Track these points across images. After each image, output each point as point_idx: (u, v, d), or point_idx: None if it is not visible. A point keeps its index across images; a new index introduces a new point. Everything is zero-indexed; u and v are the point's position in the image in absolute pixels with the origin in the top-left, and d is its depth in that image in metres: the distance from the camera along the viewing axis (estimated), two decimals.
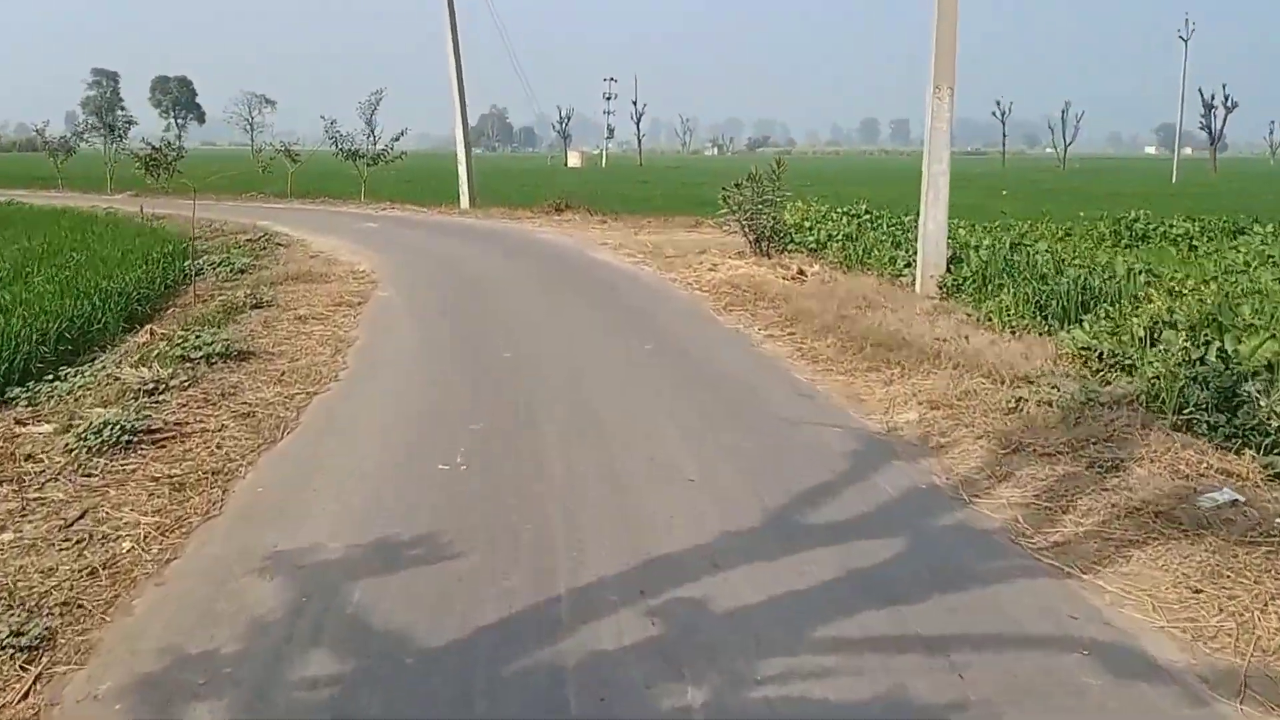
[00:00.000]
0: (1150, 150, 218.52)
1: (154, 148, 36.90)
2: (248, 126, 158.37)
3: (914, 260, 13.27)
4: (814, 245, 17.30)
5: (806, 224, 18.52)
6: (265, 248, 19.75)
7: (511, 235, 22.42)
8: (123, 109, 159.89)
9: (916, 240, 14.46)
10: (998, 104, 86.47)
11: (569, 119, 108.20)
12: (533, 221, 25.96)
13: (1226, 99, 71.68)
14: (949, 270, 12.50)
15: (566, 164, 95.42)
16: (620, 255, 18.03)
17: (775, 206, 17.38)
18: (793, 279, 14.36)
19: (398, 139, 32.15)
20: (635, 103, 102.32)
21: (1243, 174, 64.92)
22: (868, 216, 19.48)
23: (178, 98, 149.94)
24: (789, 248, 17.47)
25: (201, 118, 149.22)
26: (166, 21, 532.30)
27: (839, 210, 20.37)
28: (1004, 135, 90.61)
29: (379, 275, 15.37)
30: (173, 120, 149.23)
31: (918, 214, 19.48)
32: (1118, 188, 46.00)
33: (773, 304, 12.00)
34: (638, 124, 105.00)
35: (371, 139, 31.80)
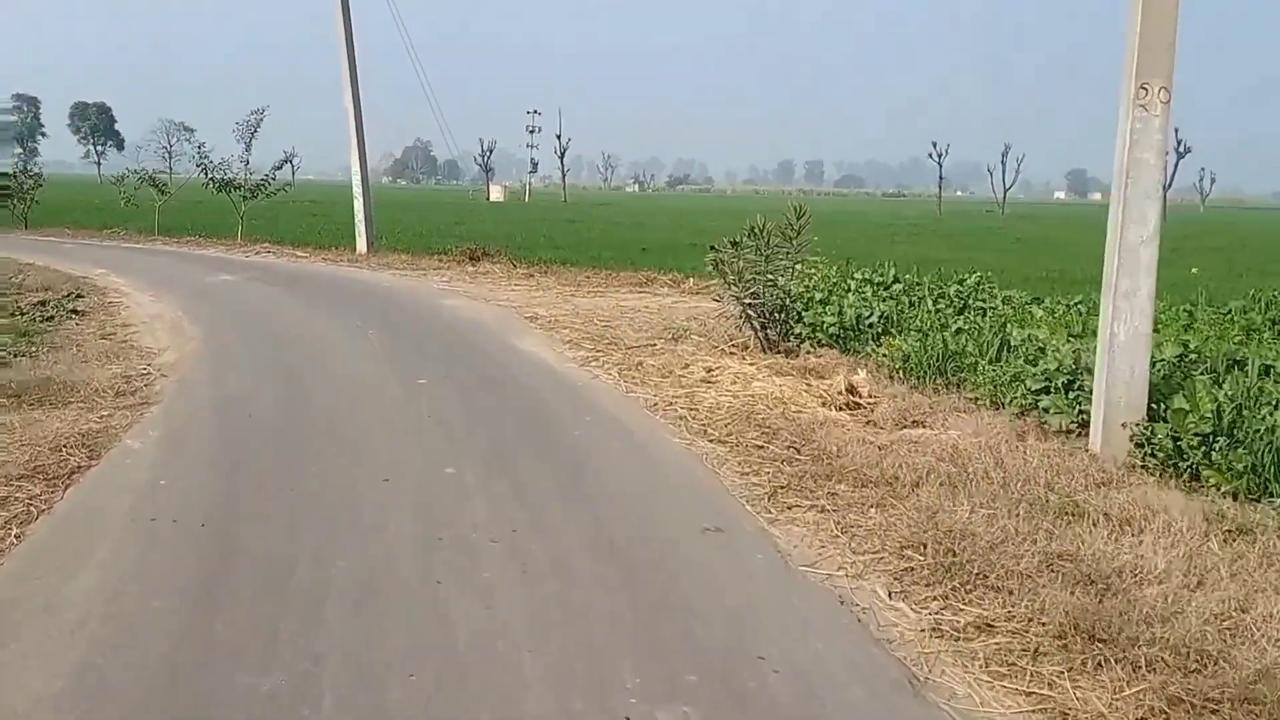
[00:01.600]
0: (1060, 195, 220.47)
1: (5, 175, 30.27)
2: (165, 155, 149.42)
3: (1054, 384, 7.67)
4: (835, 332, 11.63)
5: (819, 295, 12.72)
6: (55, 315, 13.54)
7: (406, 301, 16.27)
8: (43, 134, 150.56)
9: (1035, 346, 8.89)
10: (934, 145, 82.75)
11: (491, 152, 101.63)
12: (441, 274, 19.86)
13: (1179, 144, 68.26)
14: (1156, 418, 6.86)
15: (489, 198, 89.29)
16: (559, 346, 12.04)
17: (788, 276, 11.72)
18: (846, 407, 8.62)
19: (280, 167, 25.92)
20: (559, 136, 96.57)
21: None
22: (896, 284, 13.81)
23: (96, 124, 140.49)
24: (799, 333, 11.83)
25: (120, 145, 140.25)
26: (89, 48, 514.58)
27: (854, 274, 14.66)
28: (940, 178, 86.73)
29: (168, 386, 9.32)
30: (91, 147, 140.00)
31: (981, 285, 14.34)
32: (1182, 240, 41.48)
33: (858, 487, 6.13)
34: (561, 158, 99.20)
35: (247, 167, 25.39)
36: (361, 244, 23.97)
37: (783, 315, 11.83)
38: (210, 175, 25.11)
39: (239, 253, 23.63)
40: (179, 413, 8.31)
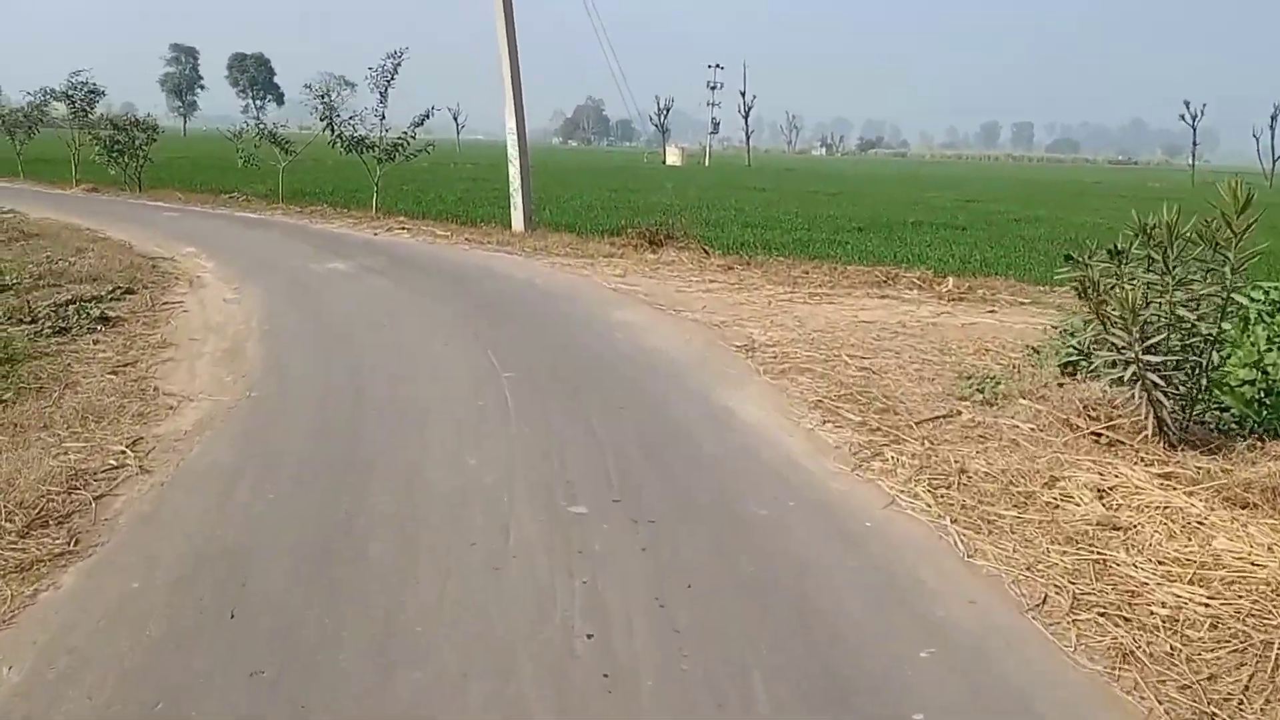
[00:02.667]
0: None
1: (116, 126, 27.85)
2: (322, 110, 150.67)
3: None
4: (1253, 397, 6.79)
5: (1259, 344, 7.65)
6: (74, 323, 9.97)
7: (564, 313, 11.96)
8: (202, 86, 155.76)
9: None
10: (1187, 106, 72.91)
11: (668, 111, 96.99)
12: (613, 266, 15.56)
13: None
14: None
15: (665, 162, 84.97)
16: (800, 413, 7.50)
17: (1214, 312, 6.84)
18: None
19: (420, 124, 22.15)
20: (744, 94, 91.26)
21: None
22: None
23: (255, 77, 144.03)
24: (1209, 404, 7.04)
25: (280, 99, 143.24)
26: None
27: (1245, 292, 9.42)
28: (1194, 144, 76.84)
29: (136, 510, 5.37)
30: (250, 100, 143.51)
31: None
32: None
33: None
34: (746, 118, 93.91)
35: (384, 122, 21.72)
36: (517, 220, 20.00)
37: (1194, 377, 7.00)
38: (338, 132, 21.59)
39: (367, 228, 20.04)
40: (93, 618, 4.21)
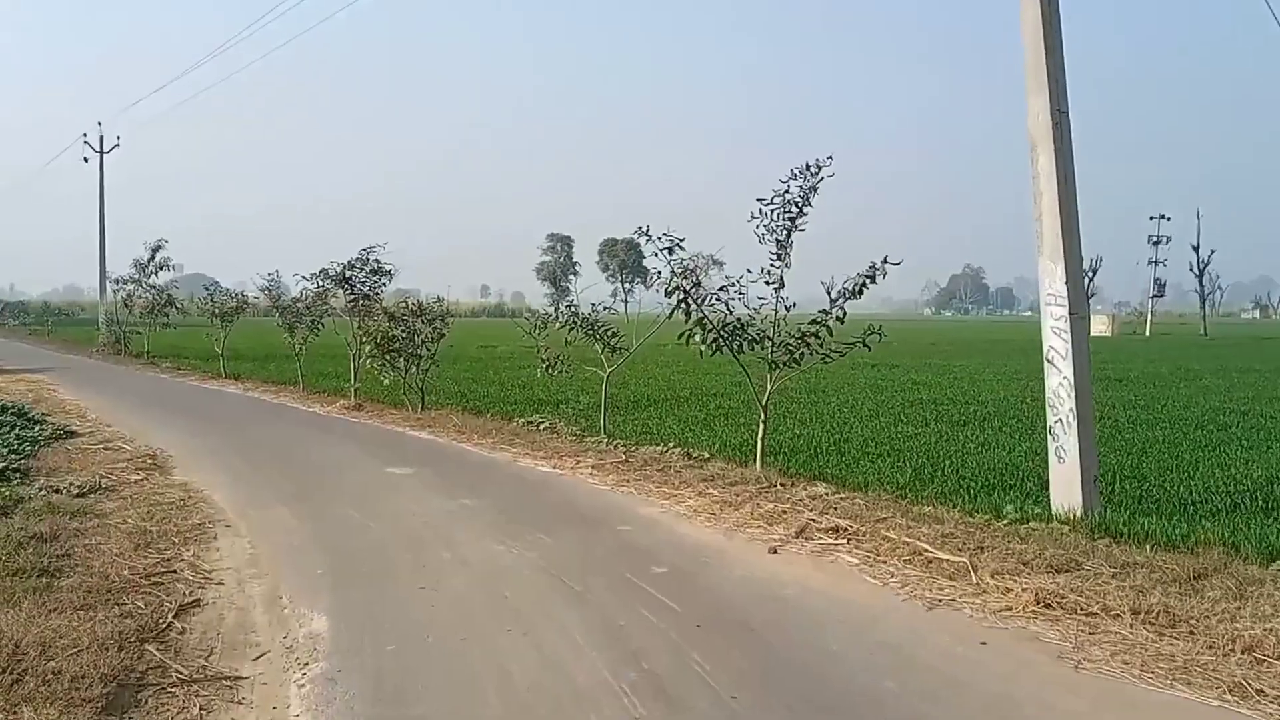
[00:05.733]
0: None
1: (392, 316, 19.99)
2: (672, 286, 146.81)
3: None
4: None
5: None
6: None
7: None
8: (576, 272, 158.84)
9: None
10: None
11: (1094, 273, 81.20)
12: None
13: None
14: None
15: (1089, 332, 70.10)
16: None
17: None
18: None
19: (847, 295, 11.34)
20: (1196, 248, 75.10)
21: None
22: None
23: (624, 260, 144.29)
24: None
25: (646, 280, 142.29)
26: (615, 186, 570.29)
27: None
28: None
29: None
30: (619, 284, 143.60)
31: None
32: None
33: None
34: (1200, 276, 77.13)
35: (778, 293, 11.27)
36: (1065, 487, 8.72)
37: None
38: (694, 317, 11.42)
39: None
40: None
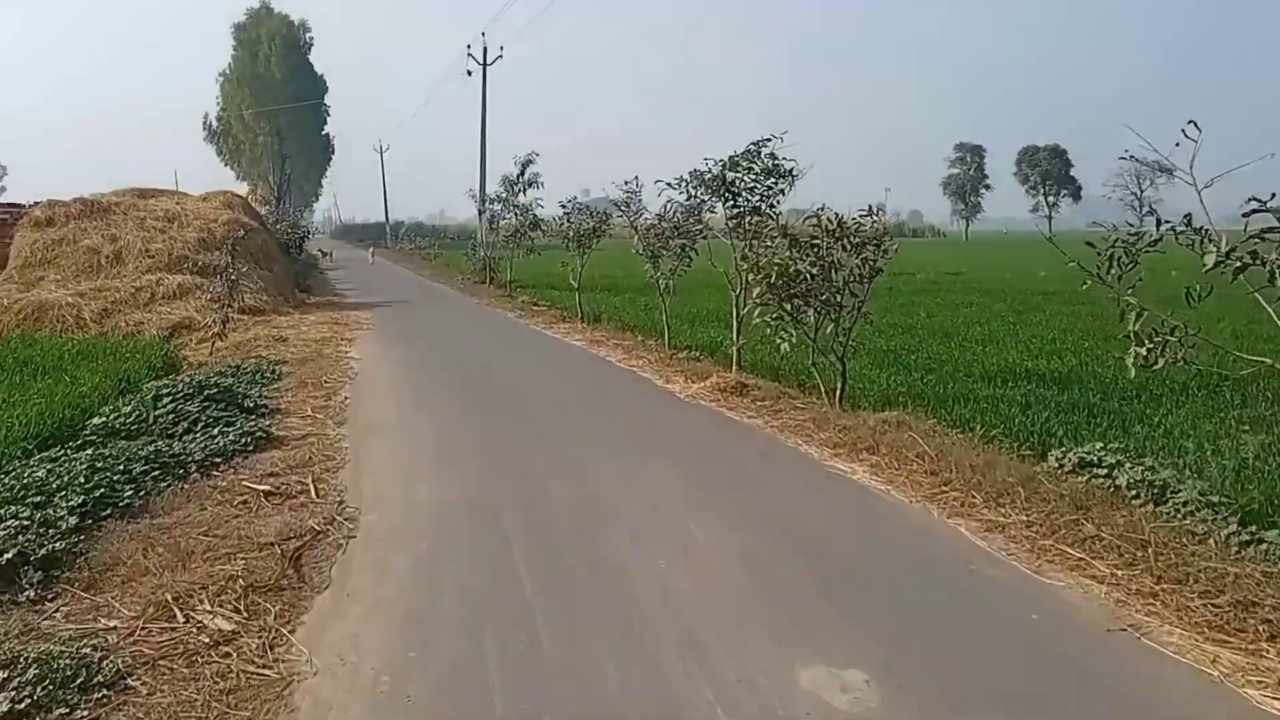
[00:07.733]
0: None
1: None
2: (1134, 205, 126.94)
3: None
4: None
5: None
6: None
7: None
8: (987, 186, 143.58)
9: None
10: None
11: None
12: None
13: None
14: None
15: None
16: None
17: None
18: None
19: None
20: None
21: None
22: None
23: (1047, 171, 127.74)
24: None
25: (1076, 194, 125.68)
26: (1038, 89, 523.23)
27: None
28: None
29: None
30: (1041, 197, 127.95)
31: None
32: None
33: None
34: None
35: None
36: None
37: None
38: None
39: None
40: None
